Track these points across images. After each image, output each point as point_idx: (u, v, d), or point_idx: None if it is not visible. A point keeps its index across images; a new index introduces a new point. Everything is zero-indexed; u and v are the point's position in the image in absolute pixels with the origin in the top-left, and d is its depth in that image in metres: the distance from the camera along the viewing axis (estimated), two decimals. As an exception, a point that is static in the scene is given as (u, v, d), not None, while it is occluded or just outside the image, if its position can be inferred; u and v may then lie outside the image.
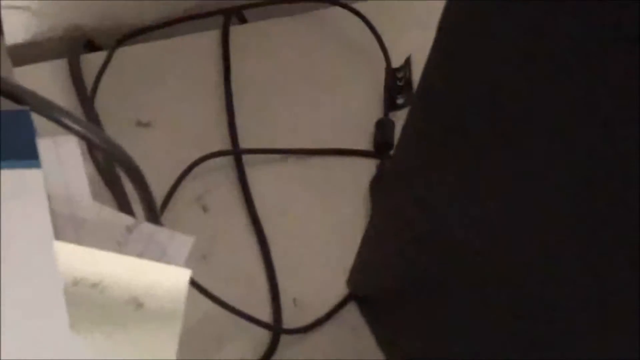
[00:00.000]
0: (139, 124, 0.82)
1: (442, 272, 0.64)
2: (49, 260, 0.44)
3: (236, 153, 0.82)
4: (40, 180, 0.46)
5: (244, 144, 0.83)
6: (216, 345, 0.72)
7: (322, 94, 0.88)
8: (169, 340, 0.45)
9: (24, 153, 0.46)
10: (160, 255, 0.47)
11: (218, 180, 0.80)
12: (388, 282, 0.74)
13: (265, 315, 0.75)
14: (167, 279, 0.47)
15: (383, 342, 0.75)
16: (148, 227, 0.49)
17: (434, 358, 0.68)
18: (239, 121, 0.84)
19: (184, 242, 0.49)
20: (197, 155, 0.80)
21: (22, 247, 0.44)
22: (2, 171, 0.45)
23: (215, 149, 0.82)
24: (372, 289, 0.76)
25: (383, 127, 0.87)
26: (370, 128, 0.88)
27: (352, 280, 0.77)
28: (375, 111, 0.88)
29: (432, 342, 0.68)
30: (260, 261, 0.77)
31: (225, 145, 0.83)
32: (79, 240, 0.46)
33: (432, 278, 0.66)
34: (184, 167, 0.79)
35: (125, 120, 0.82)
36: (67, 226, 0.47)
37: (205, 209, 0.78)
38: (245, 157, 0.82)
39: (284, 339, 0.73)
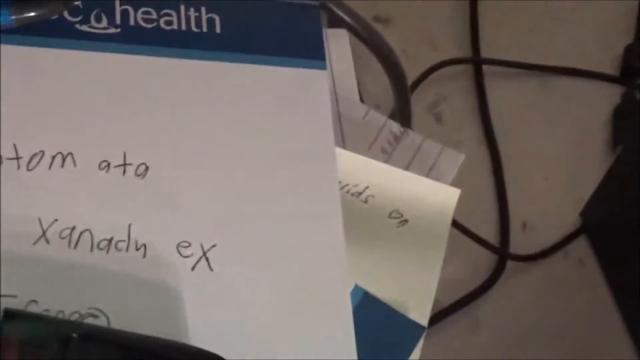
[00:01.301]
0: (377, 19, 0.78)
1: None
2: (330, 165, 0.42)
3: (477, 62, 0.77)
4: (325, 81, 0.43)
5: (485, 53, 0.78)
6: (440, 261, 0.69)
7: (571, 12, 0.82)
8: (433, 262, 0.42)
9: (311, 50, 0.43)
10: (429, 169, 0.44)
11: (455, 88, 0.76)
12: (626, 218, 0.68)
13: (492, 236, 0.71)
14: (435, 196, 0.44)
15: (611, 278, 0.70)
16: (417, 138, 0.46)
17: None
18: (482, 29, 0.79)
19: (454, 158, 0.45)
20: (434, 58, 0.76)
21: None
22: (288, 69, 0.42)
23: (454, 55, 0.77)
24: (608, 223, 0.71)
25: (632, 52, 0.81)
26: (619, 52, 0.81)
27: (587, 212, 0.72)
28: (625, 35, 0.81)
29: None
30: (491, 179, 0.73)
31: (465, 52, 0.78)
32: (343, 140, 0.43)
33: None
34: (420, 69, 0.75)
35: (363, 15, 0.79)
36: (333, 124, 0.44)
37: (438, 118, 0.75)
38: (485, 68, 0.77)
39: (510, 264, 0.69)
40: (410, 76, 0.75)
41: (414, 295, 0.42)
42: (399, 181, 0.43)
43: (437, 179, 0.44)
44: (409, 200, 0.43)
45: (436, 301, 0.67)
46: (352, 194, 0.43)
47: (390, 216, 0.43)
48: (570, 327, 0.68)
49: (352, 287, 0.41)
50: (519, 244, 0.71)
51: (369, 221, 0.42)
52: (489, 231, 0.71)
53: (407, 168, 0.44)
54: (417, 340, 0.41)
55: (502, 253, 0.69)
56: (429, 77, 0.75)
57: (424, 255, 0.42)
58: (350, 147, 0.44)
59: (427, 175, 0.44)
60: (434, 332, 0.66)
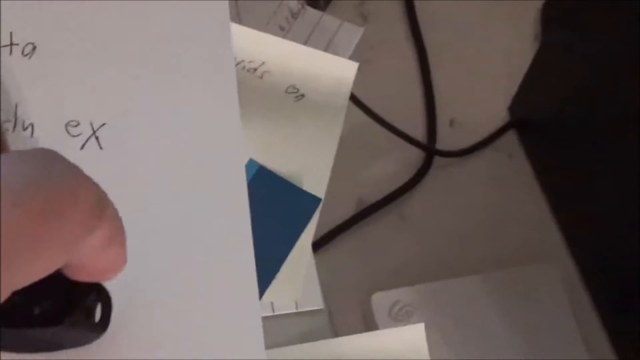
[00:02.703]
0: None
1: (613, 105, 0.58)
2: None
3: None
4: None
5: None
6: (367, 159, 0.69)
7: None
8: (331, 135, 0.42)
9: None
10: (327, 44, 0.43)
11: (380, -14, 0.75)
12: (553, 111, 0.68)
13: (420, 134, 0.70)
14: (333, 70, 0.43)
15: (540, 171, 0.70)
16: (315, 14, 0.45)
17: (583, 192, 0.64)
18: None
19: (353, 32, 0.45)
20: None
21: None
22: None
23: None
24: (535, 117, 0.71)
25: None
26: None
27: (514, 107, 0.72)
28: None
29: (584, 176, 0.64)
30: (419, 77, 0.72)
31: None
32: (239, 17, 0.42)
33: (601, 111, 0.60)
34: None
35: None
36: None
37: (364, 16, 0.74)
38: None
39: (438, 160, 0.69)
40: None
41: (311, 168, 0.41)
42: (295, 56, 0.43)
43: (336, 53, 0.44)
44: (306, 75, 0.42)
45: (364, 198, 0.67)
46: (248, 70, 0.42)
47: (286, 91, 0.42)
48: (499, 219, 0.68)
49: (246, 160, 0.40)
50: (447, 141, 0.71)
51: (265, 97, 0.42)
52: (418, 130, 0.71)
53: (305, 44, 0.43)
54: (313, 212, 0.40)
55: (429, 149, 0.69)
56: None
57: (322, 128, 0.42)
58: (246, 25, 0.43)
59: (326, 50, 0.43)
60: (362, 227, 0.66)
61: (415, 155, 0.69)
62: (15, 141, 0.39)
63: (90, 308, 0.33)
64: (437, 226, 0.67)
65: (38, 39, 0.40)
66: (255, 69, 0.42)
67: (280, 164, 0.40)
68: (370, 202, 0.67)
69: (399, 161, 0.69)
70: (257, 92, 0.41)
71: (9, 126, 0.38)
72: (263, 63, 0.42)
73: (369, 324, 0.60)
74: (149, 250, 0.38)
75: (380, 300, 0.61)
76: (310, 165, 0.41)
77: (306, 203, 0.41)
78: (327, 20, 0.45)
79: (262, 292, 0.38)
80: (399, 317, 0.60)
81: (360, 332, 0.47)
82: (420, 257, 0.66)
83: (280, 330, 0.38)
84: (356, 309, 0.61)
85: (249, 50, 0.42)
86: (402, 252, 0.66)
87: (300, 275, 0.39)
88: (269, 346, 0.37)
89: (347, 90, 0.42)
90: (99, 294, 0.33)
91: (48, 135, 0.39)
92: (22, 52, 0.40)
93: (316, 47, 0.43)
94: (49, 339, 0.33)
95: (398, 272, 0.65)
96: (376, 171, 0.69)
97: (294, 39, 0.43)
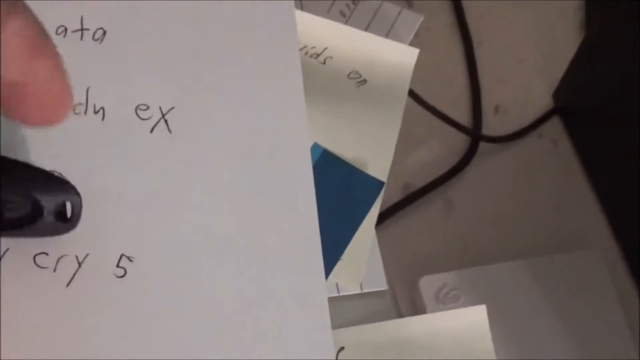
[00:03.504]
0: None
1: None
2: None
3: (447, -54, 0.76)
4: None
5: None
6: (414, 145, 0.69)
7: None
8: (392, 120, 0.43)
9: None
10: (388, 31, 0.44)
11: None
12: (596, 97, 0.69)
13: (465, 120, 0.71)
14: (394, 55, 0.44)
15: (584, 157, 0.71)
16: (375, 2, 0.46)
17: (627, 179, 0.64)
18: None
19: (413, 19, 0.45)
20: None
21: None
22: None
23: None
24: (579, 103, 0.71)
25: None
26: None
27: (559, 93, 0.72)
28: None
29: (629, 163, 0.64)
30: (464, 64, 0.73)
31: None
32: (301, 4, 0.43)
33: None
34: (390, -43, 0.75)
35: None
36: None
37: (409, 4, 0.74)
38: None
39: (483, 146, 0.70)
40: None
41: (373, 153, 0.42)
42: (357, 41, 0.43)
43: (396, 39, 0.44)
44: (368, 60, 0.43)
45: (410, 183, 0.68)
46: (311, 56, 0.43)
47: (349, 76, 0.43)
48: (544, 205, 0.68)
49: (310, 144, 0.41)
50: (492, 127, 0.71)
51: (327, 81, 0.43)
52: (463, 117, 0.72)
53: (366, 30, 0.44)
54: (377, 196, 0.41)
55: (474, 135, 0.69)
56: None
57: (383, 113, 0.43)
58: (308, 11, 0.44)
59: (386, 37, 0.44)
60: (408, 212, 0.67)
61: (460, 142, 0.70)
62: (87, 124, 0.40)
63: (61, 206, 0.34)
64: (482, 211, 0.68)
65: (108, 24, 0.41)
66: (318, 55, 0.42)
67: (343, 148, 0.41)
68: (417, 187, 0.68)
69: (445, 147, 0.70)
70: (320, 77, 0.42)
71: (81, 109, 0.39)
72: (326, 49, 0.42)
73: (417, 308, 0.60)
74: (214, 233, 0.38)
75: (428, 284, 0.62)
76: (372, 149, 0.42)
77: (369, 186, 0.42)
78: (387, 7, 0.45)
79: (327, 273, 0.39)
80: (447, 301, 0.61)
81: (410, 315, 0.48)
82: (466, 241, 0.67)
83: (345, 311, 0.39)
84: (404, 293, 0.62)
85: (312, 36, 0.43)
86: (448, 237, 0.67)
87: (364, 257, 0.40)
88: (334, 326, 0.38)
89: (408, 76, 0.43)
90: (69, 194, 0.35)
91: (118, 118, 0.40)
92: (93, 37, 0.41)
93: (377, 33, 0.44)
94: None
95: (444, 257, 0.65)
96: (422, 157, 0.69)
97: (355, 25, 0.44)
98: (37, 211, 0.34)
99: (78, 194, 0.35)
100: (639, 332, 0.63)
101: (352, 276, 0.39)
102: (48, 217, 0.34)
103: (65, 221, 0.35)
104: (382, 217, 0.65)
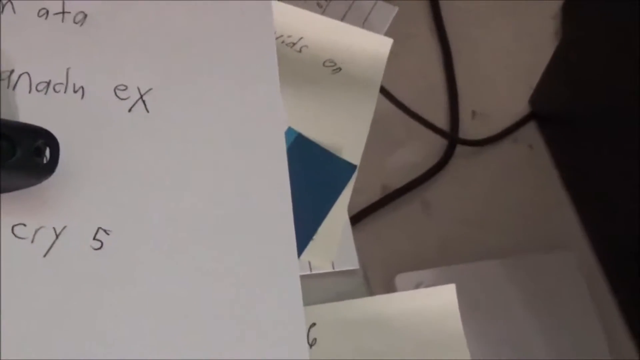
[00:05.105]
0: None
1: (632, 98, 0.59)
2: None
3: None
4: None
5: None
6: (392, 147, 0.70)
7: None
8: (366, 107, 0.44)
9: None
10: (362, 22, 0.45)
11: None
12: (572, 103, 0.70)
13: (442, 123, 0.72)
14: (368, 45, 0.45)
15: (559, 161, 0.72)
16: (351, -8, 0.47)
17: (601, 182, 0.65)
18: None
19: (387, 11, 0.47)
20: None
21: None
22: None
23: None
24: (555, 109, 0.73)
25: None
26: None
27: (535, 99, 0.74)
28: None
29: (602, 166, 0.65)
30: (442, 69, 0.74)
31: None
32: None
33: (620, 104, 0.62)
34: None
35: None
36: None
37: None
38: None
39: (460, 149, 0.71)
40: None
41: (347, 138, 0.43)
42: (333, 31, 0.45)
43: (371, 30, 0.45)
44: (343, 49, 0.44)
45: (388, 184, 0.69)
46: (287, 44, 0.44)
47: (324, 65, 0.44)
48: (519, 207, 0.70)
49: (285, 128, 0.42)
50: (469, 131, 0.73)
51: (303, 69, 0.44)
52: (441, 121, 0.73)
53: (341, 21, 0.45)
54: (349, 178, 0.42)
55: (451, 138, 0.70)
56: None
57: (358, 100, 0.44)
58: (285, 1, 0.45)
59: (362, 27, 0.45)
60: (386, 212, 0.68)
61: (438, 144, 0.71)
62: (67, 103, 0.41)
63: (39, 150, 0.36)
64: (458, 212, 0.69)
65: (89, 8, 0.42)
66: (294, 44, 0.44)
67: (317, 133, 0.42)
68: (394, 188, 0.69)
69: (423, 149, 0.71)
70: (296, 65, 0.43)
71: (60, 88, 0.40)
72: (301, 38, 0.44)
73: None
74: (188, 212, 0.39)
75: (404, 281, 0.63)
76: (346, 134, 0.43)
77: (342, 169, 0.42)
78: (363, -1, 0.47)
79: (300, 251, 0.40)
80: (422, 298, 0.62)
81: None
82: (442, 242, 0.68)
83: (317, 289, 0.40)
84: (380, 290, 0.62)
85: (288, 26, 0.44)
86: (424, 237, 0.68)
87: (336, 236, 0.41)
88: (306, 304, 0.38)
89: (382, 65, 0.44)
90: (47, 138, 0.36)
91: (97, 97, 0.41)
92: (74, 20, 0.42)
93: (352, 24, 0.45)
94: None
95: (420, 256, 0.66)
96: (400, 159, 0.70)
97: (331, 16, 0.45)
98: (13, 148, 0.35)
99: (55, 139, 0.36)
100: (611, 330, 0.64)
101: (324, 255, 0.40)
102: (26, 155, 0.35)
103: (43, 163, 0.36)
104: (360, 217, 0.66)
